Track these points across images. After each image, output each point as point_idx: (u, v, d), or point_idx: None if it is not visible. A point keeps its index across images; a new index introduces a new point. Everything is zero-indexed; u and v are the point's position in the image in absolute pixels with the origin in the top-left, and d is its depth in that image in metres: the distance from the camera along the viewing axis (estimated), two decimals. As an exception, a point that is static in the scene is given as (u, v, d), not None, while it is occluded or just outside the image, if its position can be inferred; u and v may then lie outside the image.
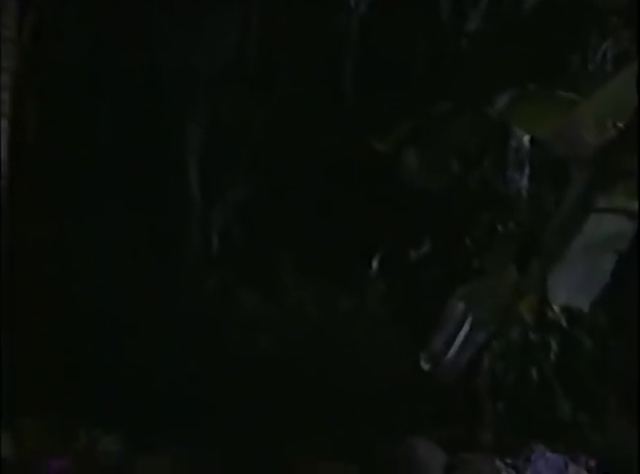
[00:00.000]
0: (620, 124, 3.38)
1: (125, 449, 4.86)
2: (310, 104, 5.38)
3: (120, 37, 5.54)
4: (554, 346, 4.97)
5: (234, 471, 4.58)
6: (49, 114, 5.61)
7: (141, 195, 5.65)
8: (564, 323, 4.83)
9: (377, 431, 4.72)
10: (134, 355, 5.13)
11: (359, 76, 5.37)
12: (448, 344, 3.70)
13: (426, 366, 3.67)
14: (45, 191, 5.56)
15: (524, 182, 5.05)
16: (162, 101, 5.60)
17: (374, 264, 5.25)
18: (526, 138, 4.86)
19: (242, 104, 5.56)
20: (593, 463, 4.69)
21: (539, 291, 3.88)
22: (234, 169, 5.61)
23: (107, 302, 5.36)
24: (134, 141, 5.64)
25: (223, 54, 5.58)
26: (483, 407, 4.97)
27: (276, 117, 5.47)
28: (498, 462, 4.60)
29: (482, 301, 3.74)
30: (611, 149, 3.34)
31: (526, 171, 5.04)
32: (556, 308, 4.57)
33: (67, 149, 5.61)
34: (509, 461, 4.62)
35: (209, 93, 5.59)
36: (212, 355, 5.23)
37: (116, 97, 5.60)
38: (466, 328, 3.79)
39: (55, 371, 5.14)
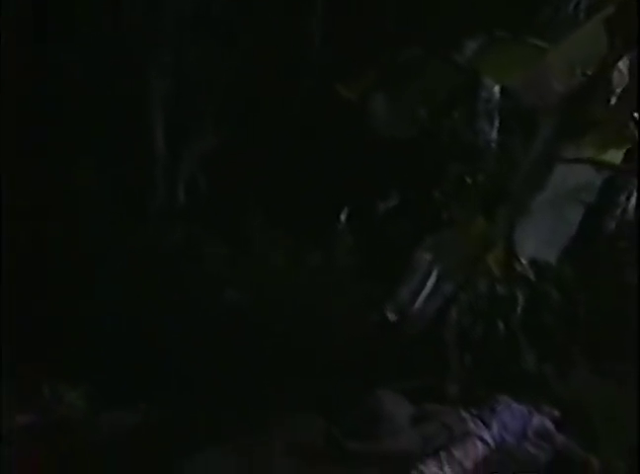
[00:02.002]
0: (588, 73, 3.35)
1: (90, 404, 4.84)
2: (276, 53, 5.28)
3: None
4: (521, 298, 4.99)
5: (200, 424, 4.57)
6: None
7: (106, 146, 5.56)
8: (531, 276, 4.84)
9: (344, 383, 4.73)
10: (99, 310, 5.07)
11: (324, 23, 5.27)
12: (415, 295, 3.68)
13: (392, 317, 3.64)
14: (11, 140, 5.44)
15: (494, 134, 5.02)
16: (127, 54, 5.48)
17: (342, 217, 5.22)
18: (497, 90, 4.82)
19: (208, 55, 5.46)
20: (556, 413, 4.76)
21: (507, 244, 3.87)
22: (200, 120, 5.52)
23: (72, 259, 5.29)
24: (99, 94, 5.53)
25: (188, 7, 5.47)
26: (450, 359, 5.00)
27: (241, 68, 5.37)
28: (464, 413, 4.64)
29: (449, 252, 3.72)
30: (579, 97, 3.31)
31: (496, 123, 5.01)
32: (523, 261, 4.57)
33: (30, 104, 5.49)
34: (474, 412, 4.66)
35: (175, 45, 5.49)
36: (179, 309, 5.19)
37: (81, 50, 5.47)
38: (433, 279, 3.77)
39: (20, 328, 5.07)
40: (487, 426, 4.60)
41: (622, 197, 5.07)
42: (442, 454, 4.28)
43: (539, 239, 3.81)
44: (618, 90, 3.40)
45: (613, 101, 3.47)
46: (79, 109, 5.54)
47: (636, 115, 3.60)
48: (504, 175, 4.41)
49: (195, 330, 5.05)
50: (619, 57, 3.29)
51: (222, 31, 5.43)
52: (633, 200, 5.09)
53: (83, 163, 5.58)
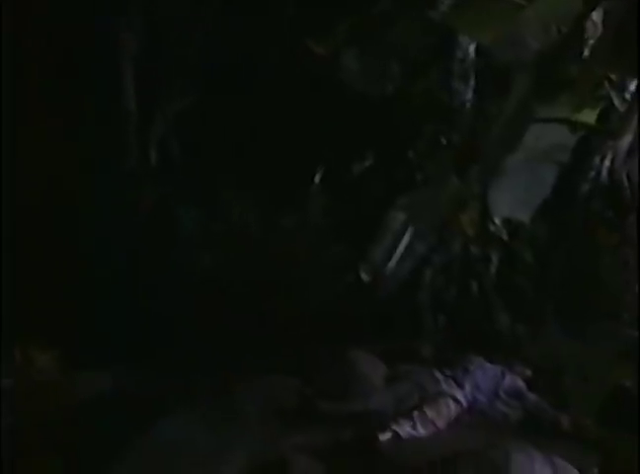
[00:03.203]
0: (564, 29, 3.31)
1: (61, 368, 4.79)
2: (246, 11, 5.16)
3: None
4: (494, 259, 5.00)
5: (173, 387, 4.56)
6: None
7: (75, 107, 5.43)
8: (505, 236, 4.84)
9: (318, 344, 4.73)
10: (68, 272, 5.00)
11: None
12: (388, 255, 3.65)
13: (365, 278, 3.62)
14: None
15: (469, 94, 4.97)
16: (97, 13, 5.33)
17: (316, 178, 5.17)
18: (472, 49, 4.75)
19: (178, 13, 5.33)
20: (528, 373, 4.81)
21: (480, 204, 3.86)
22: (172, 80, 5.41)
23: (45, 221, 5.20)
24: (67, 53, 5.39)
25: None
26: (423, 320, 5.02)
27: (212, 26, 5.25)
28: (437, 373, 4.67)
29: (422, 212, 3.68)
30: (554, 54, 3.27)
31: (471, 83, 4.95)
32: (497, 221, 4.57)
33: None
34: (448, 372, 4.69)
35: (145, 2, 5.35)
36: (152, 272, 5.14)
37: (55, 8, 5.32)
38: (406, 239, 3.74)
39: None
40: (460, 386, 4.64)
41: (597, 159, 5.07)
42: (415, 414, 4.31)
43: (513, 199, 3.79)
44: (592, 41, 3.37)
45: (587, 52, 3.44)
46: (47, 67, 5.40)
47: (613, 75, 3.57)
48: (478, 135, 4.38)
49: (167, 292, 5.01)
50: (593, 8, 3.26)
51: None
52: (607, 162, 5.09)
53: (51, 123, 5.45)
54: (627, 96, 3.84)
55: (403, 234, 3.65)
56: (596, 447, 2.96)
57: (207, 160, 5.29)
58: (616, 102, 3.52)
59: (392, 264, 3.56)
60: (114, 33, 5.34)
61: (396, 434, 4.16)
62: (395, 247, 3.65)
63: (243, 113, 5.18)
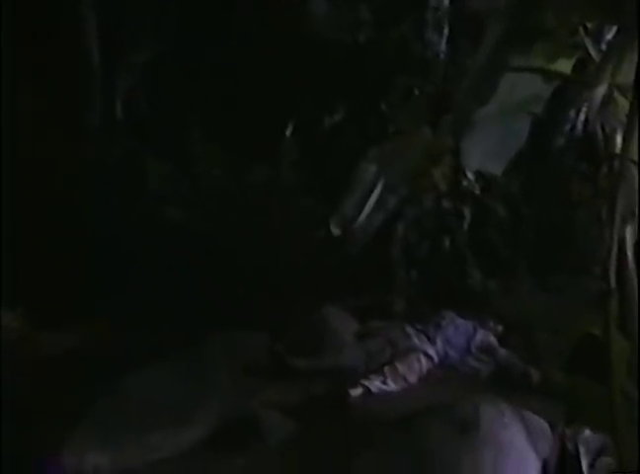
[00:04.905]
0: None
1: (27, 325, 4.71)
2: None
3: None
4: (467, 214, 4.96)
5: (143, 342, 4.49)
6: None
7: (36, 59, 5.25)
8: (477, 191, 4.80)
9: (288, 299, 4.68)
10: (34, 227, 4.88)
11: None
12: (359, 208, 3.55)
13: (335, 231, 3.53)
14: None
15: (443, 44, 4.87)
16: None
17: (287, 131, 5.06)
18: (446, -2, 4.65)
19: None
20: (500, 328, 4.80)
21: (453, 158, 3.77)
22: (138, 31, 5.23)
23: (10, 176, 5.06)
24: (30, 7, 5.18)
25: None
26: (395, 275, 4.98)
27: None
28: (408, 329, 4.65)
29: (394, 164, 3.58)
30: (529, 1, 3.16)
31: (445, 32, 4.85)
32: (470, 176, 4.52)
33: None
34: (419, 327, 4.68)
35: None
36: (120, 227, 5.03)
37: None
38: (377, 191, 3.64)
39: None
40: (431, 341, 4.63)
41: (572, 112, 5.01)
42: (387, 369, 4.30)
43: (486, 151, 3.68)
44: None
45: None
46: (12, 22, 5.20)
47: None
48: (452, 86, 4.29)
49: (135, 247, 4.91)
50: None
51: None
52: (582, 116, 5.03)
53: (18, 76, 5.27)
54: (603, 46, 3.73)
55: (374, 187, 3.55)
56: (564, 399, 2.95)
57: (175, 113, 5.16)
58: (592, 51, 3.40)
59: (363, 217, 3.46)
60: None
61: (367, 390, 4.16)
62: (366, 200, 3.55)
63: (211, 63, 5.04)
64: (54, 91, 5.32)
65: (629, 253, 2.43)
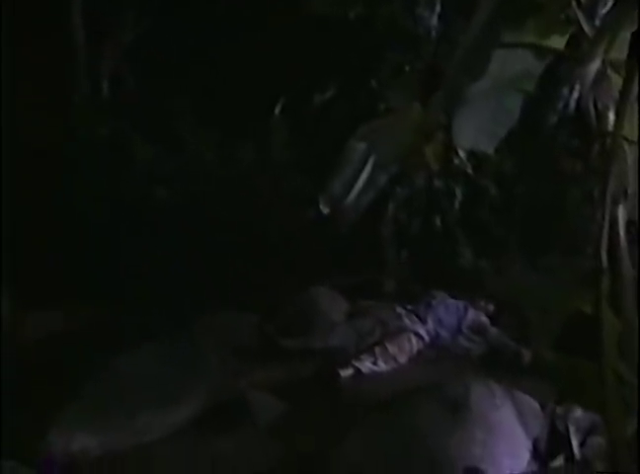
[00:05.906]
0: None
1: (15, 306, 4.65)
2: None
3: None
4: (458, 193, 4.92)
5: (131, 323, 4.45)
6: None
7: (21, 37, 5.15)
8: (469, 170, 4.75)
9: (278, 279, 4.64)
10: (23, 208, 4.81)
11: None
12: (348, 186, 3.50)
13: (325, 210, 3.48)
14: None
15: (434, 20, 4.80)
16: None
17: (277, 109, 4.99)
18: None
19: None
20: (491, 307, 4.78)
21: (444, 135, 3.72)
22: (124, 9, 5.14)
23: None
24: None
25: None
26: (386, 254, 4.94)
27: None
28: (399, 308, 4.62)
29: (384, 141, 3.52)
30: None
31: (437, 9, 4.78)
32: (462, 154, 4.47)
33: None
34: (410, 307, 4.65)
35: None
36: (108, 207, 4.98)
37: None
38: (368, 170, 3.58)
39: None
40: (422, 321, 4.61)
41: (565, 90, 4.96)
42: (377, 350, 4.28)
43: (478, 128, 3.62)
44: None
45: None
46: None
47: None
48: (443, 62, 4.23)
49: (124, 227, 4.85)
50: None
51: None
52: (575, 94, 4.98)
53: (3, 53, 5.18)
54: (597, 21, 3.67)
55: (364, 165, 3.50)
56: (555, 378, 2.93)
57: (163, 92, 5.08)
58: (586, 27, 3.34)
59: (353, 196, 3.41)
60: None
61: (357, 370, 4.14)
62: (356, 178, 3.50)
63: (200, 41, 4.95)
64: (40, 71, 5.24)
65: (621, 232, 2.40)
